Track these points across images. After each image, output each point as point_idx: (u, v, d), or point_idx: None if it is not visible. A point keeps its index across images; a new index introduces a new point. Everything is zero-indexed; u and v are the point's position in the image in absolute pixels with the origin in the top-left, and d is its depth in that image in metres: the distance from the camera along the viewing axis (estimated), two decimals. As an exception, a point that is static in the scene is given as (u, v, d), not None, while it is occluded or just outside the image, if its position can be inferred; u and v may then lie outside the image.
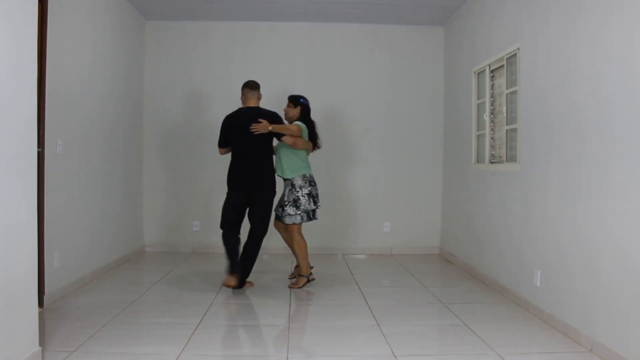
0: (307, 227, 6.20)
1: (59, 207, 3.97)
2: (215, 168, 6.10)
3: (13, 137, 2.48)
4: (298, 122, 4.37)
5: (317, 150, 4.64)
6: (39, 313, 3.01)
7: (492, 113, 4.85)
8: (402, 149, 6.31)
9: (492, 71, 4.82)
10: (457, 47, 5.81)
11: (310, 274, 4.49)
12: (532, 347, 3.08)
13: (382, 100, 6.30)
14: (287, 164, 4.40)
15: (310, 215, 4.44)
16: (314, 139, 4.50)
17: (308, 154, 4.52)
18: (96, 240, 4.74)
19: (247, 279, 4.42)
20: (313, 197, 4.37)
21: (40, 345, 2.70)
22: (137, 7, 5.74)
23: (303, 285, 4.43)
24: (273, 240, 5.49)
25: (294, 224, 4.38)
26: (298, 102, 4.45)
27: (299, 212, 4.34)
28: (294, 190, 4.35)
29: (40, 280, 3.54)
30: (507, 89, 4.44)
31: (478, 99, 5.16)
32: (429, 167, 6.32)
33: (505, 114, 4.47)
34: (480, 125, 5.12)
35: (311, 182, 4.38)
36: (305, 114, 4.47)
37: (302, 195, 4.32)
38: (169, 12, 5.91)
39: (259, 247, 4.38)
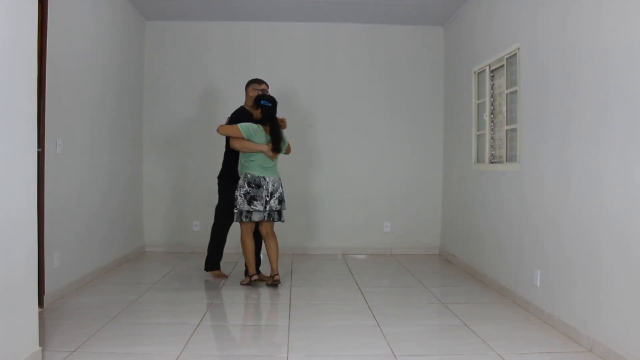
0: (305, 227, 6.24)
1: (59, 207, 3.97)
2: (216, 167, 6.10)
3: (13, 137, 2.48)
4: (243, 124, 4.35)
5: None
6: (39, 313, 3.01)
7: (492, 113, 4.85)
8: (402, 148, 6.31)
9: (492, 71, 4.82)
10: (457, 47, 5.81)
11: (253, 275, 4.50)
12: (532, 347, 3.08)
13: (382, 100, 6.30)
14: (239, 163, 4.50)
15: (247, 216, 4.37)
16: (275, 143, 4.39)
17: (272, 156, 4.41)
18: (96, 240, 4.74)
19: (211, 270, 4.79)
20: (251, 197, 4.31)
21: (40, 345, 2.70)
22: (137, 7, 5.74)
23: (246, 284, 4.51)
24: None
25: (239, 222, 4.45)
26: (259, 104, 4.41)
27: (236, 210, 4.39)
28: (237, 188, 4.42)
29: (40, 280, 3.53)
30: (507, 89, 4.44)
31: (478, 99, 5.16)
32: (429, 167, 6.31)
33: (505, 114, 4.47)
34: (480, 125, 5.11)
35: (251, 183, 4.33)
36: (265, 116, 4.40)
37: (239, 195, 4.34)
38: (169, 12, 5.91)
39: (212, 236, 4.78)
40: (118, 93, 5.30)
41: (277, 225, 4.76)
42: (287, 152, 4.67)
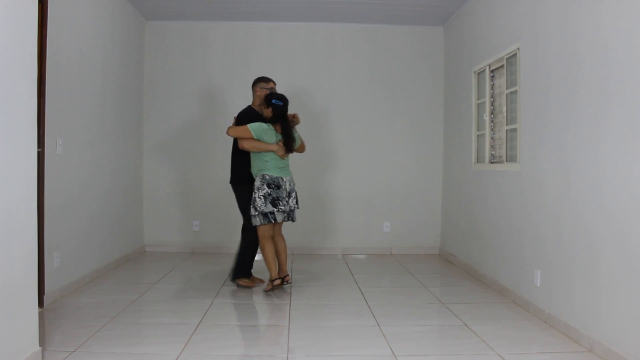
0: (305, 227, 6.23)
1: (59, 207, 3.97)
2: (216, 167, 6.10)
3: (13, 137, 2.48)
4: (253, 124, 4.24)
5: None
6: (39, 313, 3.02)
7: (492, 113, 4.85)
8: (402, 148, 6.31)
9: (492, 71, 4.82)
10: (457, 47, 5.81)
11: (275, 279, 4.26)
12: (532, 347, 3.08)
13: (381, 100, 6.30)
14: (252, 164, 4.37)
15: (270, 218, 4.23)
16: (286, 142, 4.30)
17: (283, 156, 4.31)
18: (96, 240, 4.74)
19: (246, 277, 4.49)
20: (273, 199, 4.19)
21: (40, 345, 2.70)
22: (137, 7, 5.74)
23: (269, 290, 4.29)
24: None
25: (259, 225, 4.26)
26: (270, 103, 4.31)
27: (256, 213, 4.22)
28: (253, 191, 4.28)
29: (40, 280, 3.54)
30: (507, 89, 4.44)
31: (478, 99, 5.16)
32: (429, 167, 6.32)
33: (505, 114, 4.47)
34: (480, 125, 5.11)
35: (271, 184, 4.20)
36: (277, 115, 4.31)
37: (259, 197, 4.19)
38: (169, 12, 5.91)
39: (243, 241, 4.50)
40: (118, 93, 5.30)
41: None
42: (300, 150, 4.54)
